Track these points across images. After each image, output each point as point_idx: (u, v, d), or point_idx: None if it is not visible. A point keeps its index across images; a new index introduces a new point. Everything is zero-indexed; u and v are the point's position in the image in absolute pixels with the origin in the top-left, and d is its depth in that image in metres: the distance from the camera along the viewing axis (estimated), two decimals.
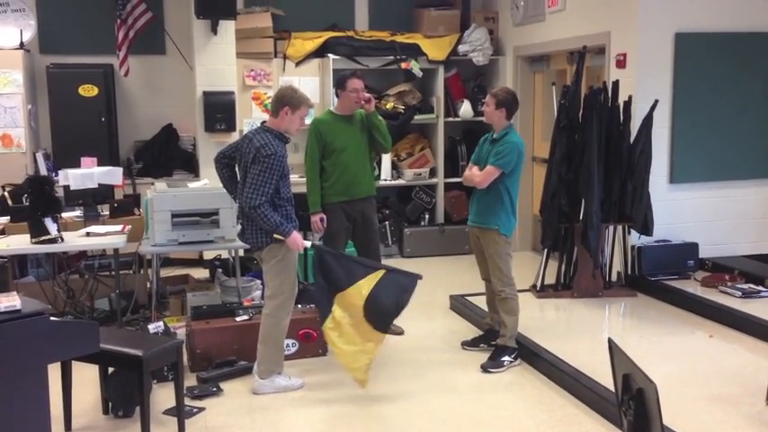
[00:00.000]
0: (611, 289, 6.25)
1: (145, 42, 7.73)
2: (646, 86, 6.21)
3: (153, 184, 6.17)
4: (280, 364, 4.55)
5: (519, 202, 5.09)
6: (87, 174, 5.97)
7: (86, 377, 4.31)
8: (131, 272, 6.14)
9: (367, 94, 5.31)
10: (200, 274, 6.92)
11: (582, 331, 5.52)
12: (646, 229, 6.14)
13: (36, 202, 5.04)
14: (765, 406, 4.14)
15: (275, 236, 4.28)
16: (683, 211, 6.51)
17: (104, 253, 6.00)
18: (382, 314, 4.38)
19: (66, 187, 5.90)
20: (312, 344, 5.04)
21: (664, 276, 6.30)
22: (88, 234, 5.45)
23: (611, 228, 6.25)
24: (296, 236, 4.32)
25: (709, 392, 4.33)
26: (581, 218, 6.04)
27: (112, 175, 6.11)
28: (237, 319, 5.01)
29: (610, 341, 2.94)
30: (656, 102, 6.01)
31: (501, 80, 8.15)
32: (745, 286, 5.95)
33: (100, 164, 6.20)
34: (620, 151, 6.01)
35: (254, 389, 4.50)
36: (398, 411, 4.27)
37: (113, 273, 5.65)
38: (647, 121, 6.00)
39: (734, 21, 6.40)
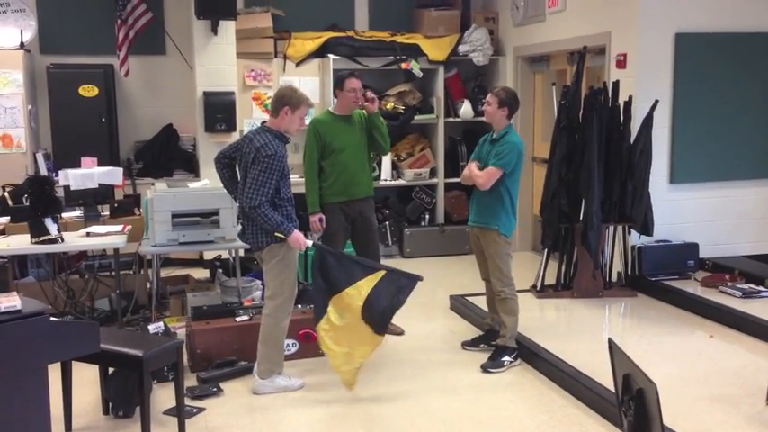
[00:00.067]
0: (611, 289, 6.25)
1: (145, 43, 7.73)
2: (646, 87, 6.21)
3: (153, 184, 6.17)
4: (280, 365, 4.55)
5: (519, 202, 5.09)
6: (87, 174, 5.97)
7: (86, 377, 4.31)
8: (131, 272, 6.14)
9: (371, 94, 5.32)
10: (201, 274, 6.92)
11: (582, 331, 5.52)
12: (646, 229, 6.14)
13: (36, 203, 5.04)
14: (765, 406, 4.14)
15: (276, 234, 4.28)
16: (684, 211, 6.51)
17: (104, 253, 6.00)
18: (380, 315, 4.38)
19: (67, 187, 5.90)
20: (312, 344, 5.03)
21: (664, 276, 6.30)
22: (88, 234, 5.45)
23: (612, 228, 6.25)
24: (297, 234, 4.33)
25: (710, 392, 4.33)
26: (581, 218, 6.04)
27: (113, 176, 6.12)
28: (238, 319, 5.01)
29: (610, 341, 2.94)
30: (657, 102, 6.01)
31: (501, 80, 8.15)
32: (746, 286, 5.95)
33: (100, 164, 6.20)
34: (620, 151, 6.01)
35: (254, 389, 4.50)
36: (398, 411, 4.27)
37: (113, 273, 5.65)
38: (648, 122, 6.00)
39: (734, 21, 6.40)
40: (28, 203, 5.12)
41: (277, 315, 4.44)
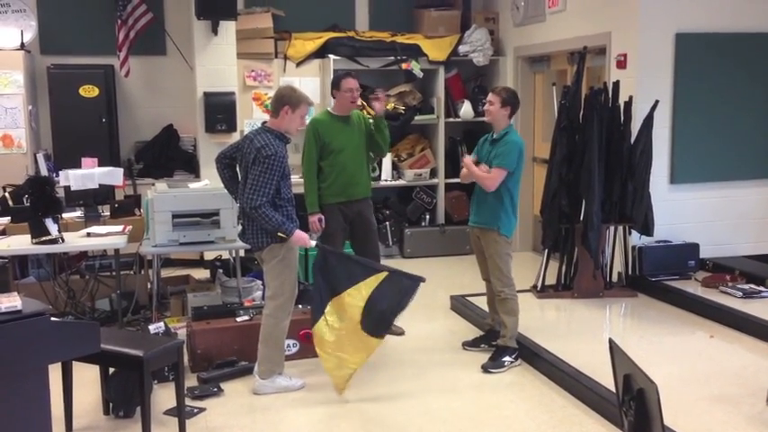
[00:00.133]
0: (611, 289, 6.25)
1: (145, 43, 7.74)
2: (646, 87, 6.21)
3: (153, 184, 6.18)
4: (280, 365, 4.55)
5: (519, 202, 5.08)
6: (88, 174, 5.97)
7: (87, 377, 4.31)
8: (132, 272, 6.14)
9: (381, 94, 5.35)
10: (201, 274, 6.91)
11: (582, 332, 5.52)
12: (646, 229, 6.14)
13: (37, 203, 5.05)
14: (766, 406, 4.14)
15: (279, 235, 4.28)
16: (684, 211, 6.51)
17: (105, 253, 6.00)
18: (380, 318, 4.37)
19: (67, 188, 5.90)
20: (313, 344, 5.02)
21: (664, 277, 6.30)
22: (89, 234, 5.45)
23: (612, 228, 6.25)
24: (299, 233, 4.33)
25: (710, 393, 4.33)
26: (581, 218, 6.04)
27: (113, 176, 6.12)
28: (238, 319, 5.01)
29: (610, 341, 2.94)
30: (657, 102, 6.01)
31: (501, 81, 8.15)
32: (746, 286, 5.95)
33: (100, 164, 6.20)
34: (620, 152, 6.01)
35: (254, 389, 4.50)
36: (399, 412, 4.27)
37: (114, 273, 5.65)
38: (648, 122, 6.00)
39: (734, 21, 6.40)
40: (28, 204, 5.12)
41: (277, 315, 4.44)
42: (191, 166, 7.92)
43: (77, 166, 6.06)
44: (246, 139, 4.41)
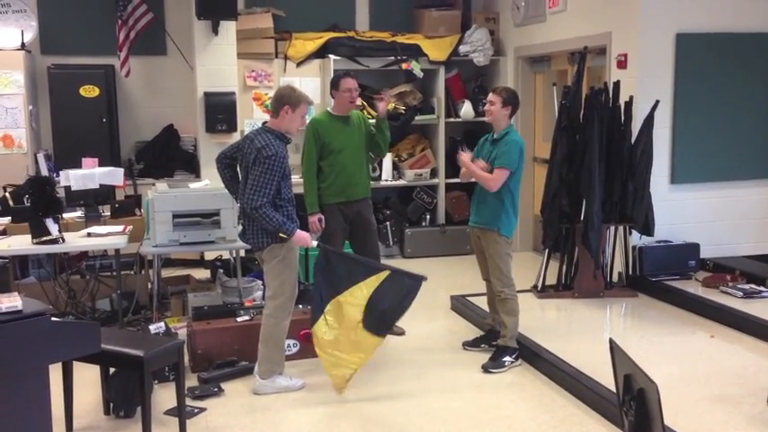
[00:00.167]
0: (612, 289, 6.25)
1: (146, 43, 7.74)
2: (647, 87, 6.21)
3: (154, 184, 6.18)
4: (281, 365, 4.55)
5: (520, 202, 5.07)
6: (88, 174, 5.97)
7: (87, 377, 4.32)
8: (132, 272, 6.14)
9: (385, 95, 5.36)
10: (202, 274, 6.91)
11: (583, 331, 5.52)
12: (647, 229, 6.14)
13: (37, 203, 5.05)
14: (766, 406, 4.14)
15: (281, 236, 4.28)
16: (684, 211, 6.51)
17: (105, 253, 6.00)
18: (383, 316, 4.37)
19: (68, 188, 5.90)
20: (313, 344, 5.02)
21: (665, 277, 6.30)
22: (89, 234, 5.45)
23: (612, 228, 6.25)
24: (300, 232, 4.33)
25: (711, 393, 4.33)
26: (582, 218, 6.04)
27: (113, 176, 6.12)
28: (238, 319, 5.01)
29: (611, 341, 2.94)
30: (657, 102, 6.01)
31: (502, 81, 8.15)
32: (747, 286, 5.95)
33: (101, 164, 6.20)
34: (621, 152, 6.00)
35: (255, 389, 4.50)
36: (399, 411, 4.27)
37: (114, 273, 5.65)
38: (648, 122, 6.00)
39: (735, 21, 6.40)
40: (29, 204, 5.13)
41: (278, 315, 4.44)
42: (191, 166, 7.93)
43: (78, 166, 6.06)
44: (247, 139, 4.41)
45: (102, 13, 7.70)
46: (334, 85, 5.30)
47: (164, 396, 4.38)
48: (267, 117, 4.86)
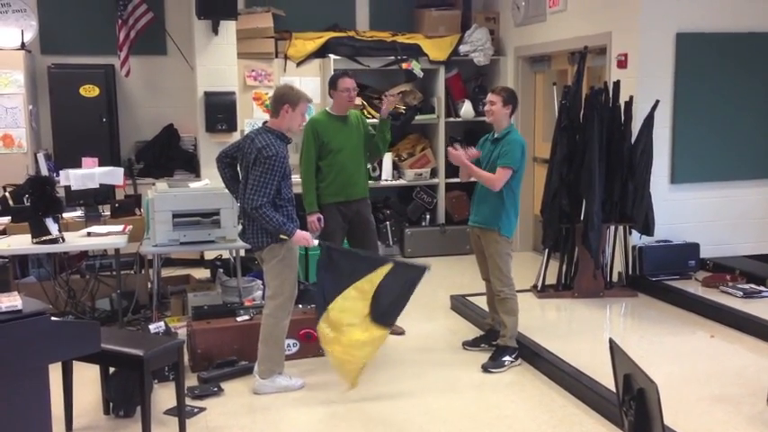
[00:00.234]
0: (612, 289, 6.25)
1: (146, 43, 7.73)
2: (647, 87, 6.21)
3: (154, 184, 6.17)
4: (280, 364, 4.55)
5: (520, 202, 5.07)
6: (88, 174, 5.97)
7: (87, 377, 4.31)
8: (132, 272, 6.14)
9: (390, 96, 5.37)
10: (202, 274, 6.92)
11: (583, 331, 5.52)
12: (647, 229, 6.14)
13: (37, 203, 5.05)
14: (766, 406, 4.13)
15: (282, 237, 4.28)
16: (684, 211, 6.51)
17: (105, 253, 6.00)
18: (389, 308, 4.36)
19: (68, 187, 5.90)
20: (313, 344, 5.03)
21: (665, 276, 6.30)
22: (89, 234, 5.45)
23: (612, 228, 6.25)
24: (300, 232, 4.33)
25: (711, 392, 4.33)
26: (582, 218, 6.04)
27: (113, 176, 6.12)
28: (238, 319, 5.01)
29: (611, 341, 2.93)
30: (657, 102, 6.01)
31: (502, 80, 8.15)
32: (747, 286, 5.95)
33: (101, 164, 6.20)
34: (621, 151, 6.00)
35: (254, 389, 4.50)
36: (399, 411, 4.27)
37: (114, 273, 5.65)
38: (649, 122, 6.00)
39: (735, 21, 6.40)
40: (29, 203, 5.12)
41: (277, 315, 4.44)
42: (191, 165, 7.92)
43: (78, 165, 6.06)
44: (247, 138, 4.41)
45: (102, 12, 7.70)
46: (333, 84, 5.30)
47: (163, 396, 4.38)
48: (267, 117, 4.86)
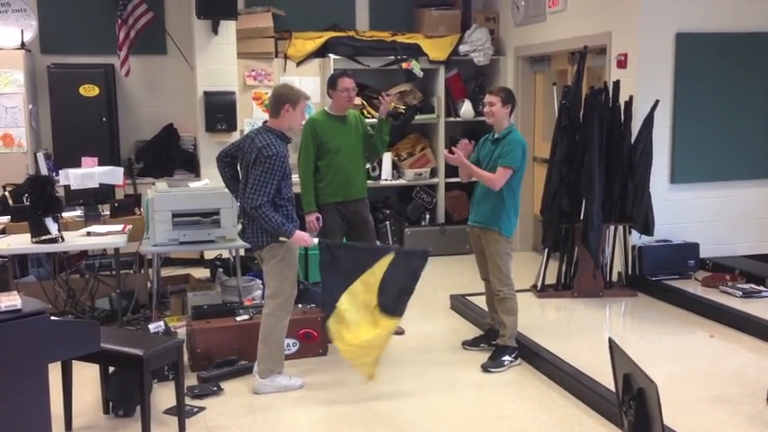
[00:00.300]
0: (611, 289, 6.25)
1: (146, 42, 7.73)
2: (647, 87, 6.21)
3: (154, 183, 6.17)
4: (280, 364, 4.55)
5: (520, 201, 5.06)
6: (88, 173, 5.97)
7: (87, 377, 4.31)
8: (132, 271, 6.14)
9: (388, 96, 5.36)
10: (201, 273, 6.92)
11: (582, 331, 5.52)
12: (646, 229, 6.14)
13: (37, 202, 5.04)
14: (766, 406, 4.14)
15: (281, 239, 4.28)
16: (684, 211, 6.51)
17: (105, 253, 6.00)
18: (397, 296, 4.36)
19: (67, 187, 5.90)
20: (313, 343, 5.04)
21: (664, 276, 6.30)
22: (89, 234, 5.45)
23: (612, 228, 6.25)
24: (299, 233, 4.33)
25: (710, 392, 4.33)
26: (582, 218, 6.04)
27: (113, 175, 6.12)
28: (238, 318, 5.01)
29: (610, 341, 2.93)
30: (657, 102, 6.01)
31: (502, 80, 8.15)
32: (746, 286, 5.95)
33: (101, 164, 6.20)
34: (620, 151, 6.00)
35: (254, 388, 4.50)
36: (399, 411, 4.27)
37: (114, 272, 5.65)
38: (648, 122, 6.00)
39: (735, 21, 6.40)
40: (28, 203, 5.12)
41: (277, 314, 4.44)
42: (191, 165, 7.92)
43: (77, 165, 6.06)
44: (248, 138, 4.40)
45: (101, 12, 7.70)
46: (332, 84, 5.29)
47: (163, 395, 4.38)
48: (267, 116, 4.86)
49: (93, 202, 6.04)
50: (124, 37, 7.46)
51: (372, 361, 4.37)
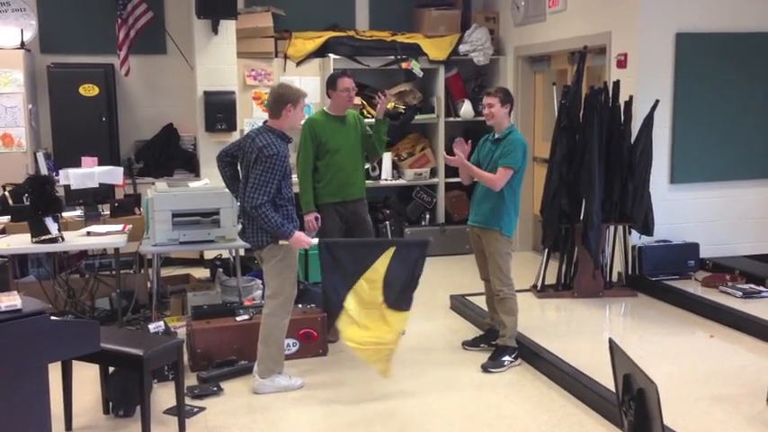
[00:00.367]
0: (611, 289, 6.25)
1: (145, 42, 7.73)
2: (646, 86, 6.21)
3: (153, 183, 6.17)
4: (280, 364, 4.55)
5: (520, 201, 5.06)
6: (88, 173, 5.97)
7: (87, 376, 4.31)
8: (132, 271, 6.14)
9: (384, 97, 5.35)
10: (201, 273, 6.92)
11: (582, 331, 5.52)
12: (646, 229, 6.14)
13: (37, 202, 5.04)
14: (766, 406, 4.14)
15: (280, 242, 4.28)
16: (684, 211, 6.51)
17: (105, 252, 6.00)
18: (402, 290, 4.36)
19: (67, 187, 5.90)
20: (313, 344, 5.04)
21: (664, 276, 6.30)
22: (89, 234, 5.45)
23: (612, 228, 6.25)
24: (299, 235, 4.33)
25: (710, 392, 4.33)
26: (582, 218, 6.04)
27: (113, 175, 6.12)
28: (238, 318, 5.01)
29: (610, 341, 2.93)
30: (657, 102, 6.01)
31: (502, 80, 8.15)
32: (746, 286, 5.95)
33: (100, 163, 6.20)
34: (620, 151, 6.00)
35: (254, 388, 4.50)
36: (399, 411, 4.27)
37: (114, 272, 5.65)
38: (648, 122, 6.00)
39: (735, 21, 6.40)
40: (28, 203, 5.12)
41: (277, 314, 4.44)
42: (191, 165, 7.92)
43: (77, 164, 6.06)
44: (248, 137, 4.40)
45: (101, 11, 7.70)
46: (331, 84, 5.27)
47: (163, 395, 4.38)
48: (266, 116, 4.85)
49: (93, 201, 6.04)
50: (124, 37, 7.46)
51: (387, 357, 4.38)
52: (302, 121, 4.52)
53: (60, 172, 5.97)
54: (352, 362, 4.90)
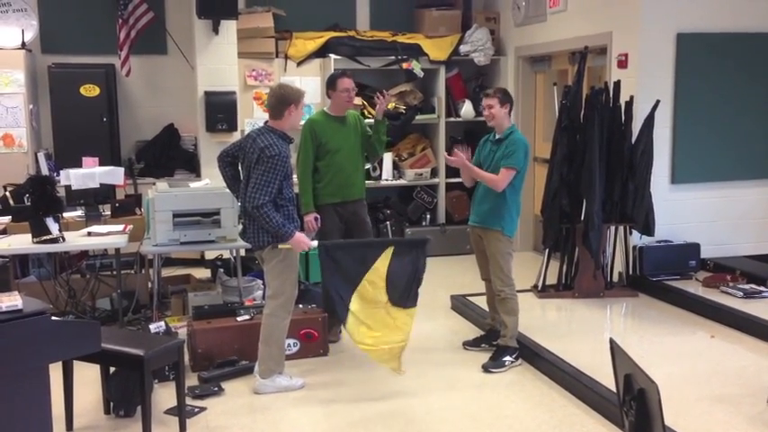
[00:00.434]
0: (612, 289, 6.25)
1: (146, 42, 7.73)
2: (647, 87, 6.21)
3: (154, 183, 6.17)
4: (281, 364, 4.55)
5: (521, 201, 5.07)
6: (89, 173, 5.97)
7: (88, 377, 4.32)
8: (133, 272, 6.14)
9: (383, 97, 5.34)
10: (202, 273, 6.92)
11: (583, 331, 5.52)
12: (647, 229, 6.14)
13: (37, 202, 5.04)
14: (767, 406, 4.14)
15: (281, 246, 4.29)
16: (685, 211, 6.51)
17: (106, 253, 6.00)
18: (405, 288, 4.38)
19: (68, 187, 5.90)
20: (313, 344, 5.04)
21: (665, 277, 6.30)
22: (90, 234, 5.45)
23: (613, 228, 6.25)
24: (299, 236, 4.33)
25: (711, 393, 4.33)
26: (582, 218, 6.04)
27: (114, 175, 6.12)
28: (239, 318, 5.01)
29: (611, 341, 2.93)
30: (658, 102, 6.01)
31: (502, 80, 8.15)
32: (747, 286, 5.95)
33: (101, 164, 6.20)
34: (621, 151, 6.00)
35: (255, 388, 4.51)
36: (400, 411, 4.27)
37: (115, 272, 5.65)
38: (649, 122, 6.00)
39: (735, 21, 6.40)
40: (29, 203, 5.13)
41: (278, 315, 4.44)
42: (191, 165, 7.92)
43: (78, 165, 6.06)
44: (249, 138, 4.40)
45: (102, 12, 7.70)
46: (331, 84, 5.26)
47: (164, 395, 4.38)
48: (267, 116, 4.85)
49: (94, 202, 6.04)
50: (125, 37, 7.46)
51: (397, 355, 4.41)
52: (302, 122, 4.50)
53: (61, 172, 5.98)
54: (352, 362, 4.92)
